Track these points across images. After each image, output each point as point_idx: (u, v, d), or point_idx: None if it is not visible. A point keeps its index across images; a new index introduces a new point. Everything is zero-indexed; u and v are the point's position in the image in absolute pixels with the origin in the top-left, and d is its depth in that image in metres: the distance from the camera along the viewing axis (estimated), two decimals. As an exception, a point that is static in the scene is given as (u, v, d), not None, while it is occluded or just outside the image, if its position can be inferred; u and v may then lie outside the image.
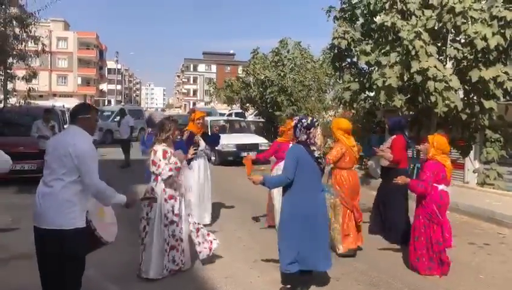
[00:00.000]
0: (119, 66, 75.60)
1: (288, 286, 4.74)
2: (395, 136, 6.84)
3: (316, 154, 4.56)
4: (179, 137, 5.99)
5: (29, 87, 14.30)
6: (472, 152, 10.95)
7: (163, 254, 5.04)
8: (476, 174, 11.82)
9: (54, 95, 64.11)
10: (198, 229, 5.39)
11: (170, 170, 5.06)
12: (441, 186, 5.33)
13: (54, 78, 72.04)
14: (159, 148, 5.12)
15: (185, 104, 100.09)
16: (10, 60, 14.25)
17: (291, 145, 6.31)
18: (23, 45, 14.26)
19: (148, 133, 8.58)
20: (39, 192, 3.50)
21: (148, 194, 5.13)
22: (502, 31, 8.02)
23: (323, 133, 5.02)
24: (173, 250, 5.10)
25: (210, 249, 5.38)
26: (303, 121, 4.63)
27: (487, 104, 8.39)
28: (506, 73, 8.09)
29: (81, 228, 3.47)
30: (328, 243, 4.88)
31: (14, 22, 13.97)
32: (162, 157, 5.05)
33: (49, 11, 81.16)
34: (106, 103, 79.23)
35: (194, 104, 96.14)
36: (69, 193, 3.42)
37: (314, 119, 4.73)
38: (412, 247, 5.49)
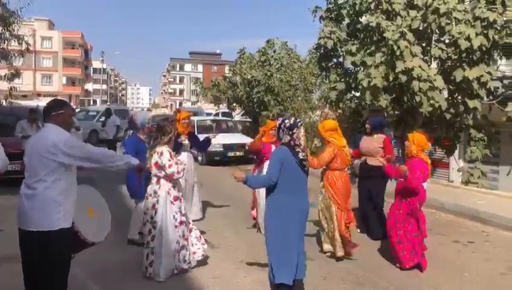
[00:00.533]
0: (104, 66, 74.91)
1: None
2: (384, 135, 6.95)
3: (301, 156, 4.38)
4: None
5: (11, 86, 14.05)
6: (456, 151, 11.08)
7: (174, 255, 5.07)
8: (461, 173, 11.98)
9: (39, 95, 63.33)
10: (191, 230, 5.37)
11: (178, 173, 5.06)
12: (425, 185, 5.56)
13: (39, 77, 71.16)
14: (164, 149, 5.08)
15: (171, 104, 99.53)
16: (-8, 59, 13.99)
17: (274, 147, 6.37)
18: (5, 44, 14.02)
19: (129, 135, 7.93)
20: (22, 194, 3.44)
21: (151, 197, 5.14)
22: (484, 31, 8.13)
23: (309, 133, 4.97)
24: (183, 249, 5.13)
25: (204, 251, 5.39)
26: (286, 122, 4.48)
27: (471, 103, 8.49)
28: (489, 73, 8.20)
29: (67, 229, 3.42)
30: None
31: (-4, 21, 13.73)
32: (170, 158, 5.05)
33: (33, 11, 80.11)
34: (92, 103, 78.44)
35: (181, 104, 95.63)
36: (54, 193, 3.37)
37: (298, 120, 4.55)
38: (395, 240, 5.56)
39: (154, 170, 5.13)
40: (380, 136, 6.90)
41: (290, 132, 4.40)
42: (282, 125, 4.47)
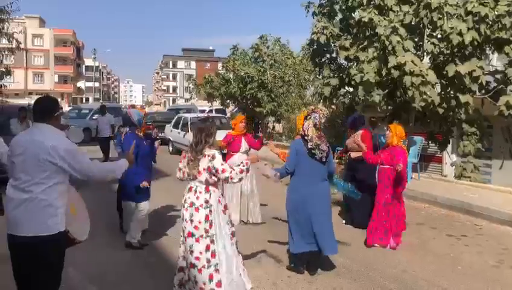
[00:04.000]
0: (96, 64, 74.40)
1: (292, 265, 5.21)
2: (362, 130, 7.25)
3: (309, 145, 4.91)
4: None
5: (1, 85, 13.94)
6: (449, 146, 11.14)
7: (232, 271, 4.40)
8: (454, 167, 12.04)
9: (30, 93, 62.90)
10: None
11: (241, 171, 4.42)
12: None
13: (30, 75, 70.68)
14: (216, 152, 4.49)
15: (165, 101, 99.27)
16: (-18, 57, 13.88)
17: (243, 139, 7.30)
18: (-5, 42, 13.91)
19: (125, 133, 7.05)
20: (12, 198, 3.22)
21: (202, 208, 4.37)
22: (476, 26, 8.15)
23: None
24: (241, 263, 4.57)
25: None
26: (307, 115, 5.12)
27: (463, 98, 8.52)
28: (481, 68, 8.22)
29: (63, 231, 3.28)
30: (332, 231, 5.17)
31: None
32: (223, 161, 4.48)
33: (24, 8, 79.41)
34: (84, 101, 78.08)
35: (174, 101, 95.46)
36: (51, 196, 3.21)
37: (311, 113, 5.10)
38: (371, 220, 6.25)
39: (203, 176, 4.38)
40: (359, 132, 7.25)
41: (303, 124, 5.03)
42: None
